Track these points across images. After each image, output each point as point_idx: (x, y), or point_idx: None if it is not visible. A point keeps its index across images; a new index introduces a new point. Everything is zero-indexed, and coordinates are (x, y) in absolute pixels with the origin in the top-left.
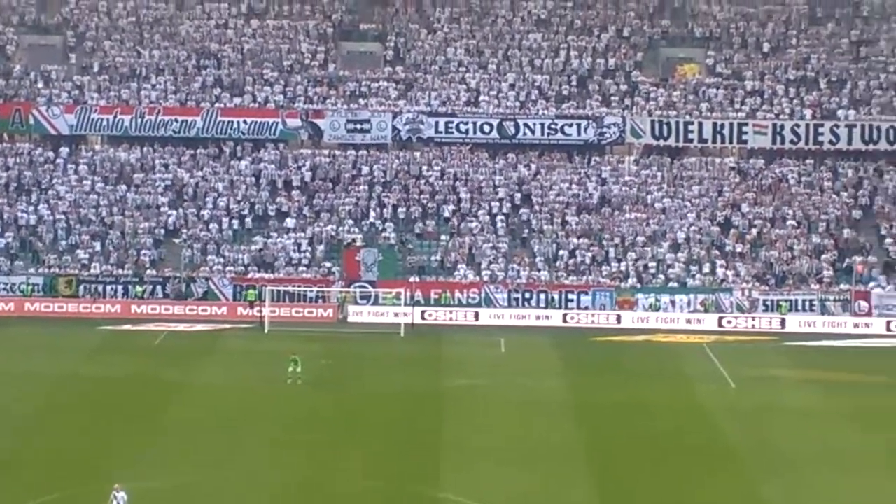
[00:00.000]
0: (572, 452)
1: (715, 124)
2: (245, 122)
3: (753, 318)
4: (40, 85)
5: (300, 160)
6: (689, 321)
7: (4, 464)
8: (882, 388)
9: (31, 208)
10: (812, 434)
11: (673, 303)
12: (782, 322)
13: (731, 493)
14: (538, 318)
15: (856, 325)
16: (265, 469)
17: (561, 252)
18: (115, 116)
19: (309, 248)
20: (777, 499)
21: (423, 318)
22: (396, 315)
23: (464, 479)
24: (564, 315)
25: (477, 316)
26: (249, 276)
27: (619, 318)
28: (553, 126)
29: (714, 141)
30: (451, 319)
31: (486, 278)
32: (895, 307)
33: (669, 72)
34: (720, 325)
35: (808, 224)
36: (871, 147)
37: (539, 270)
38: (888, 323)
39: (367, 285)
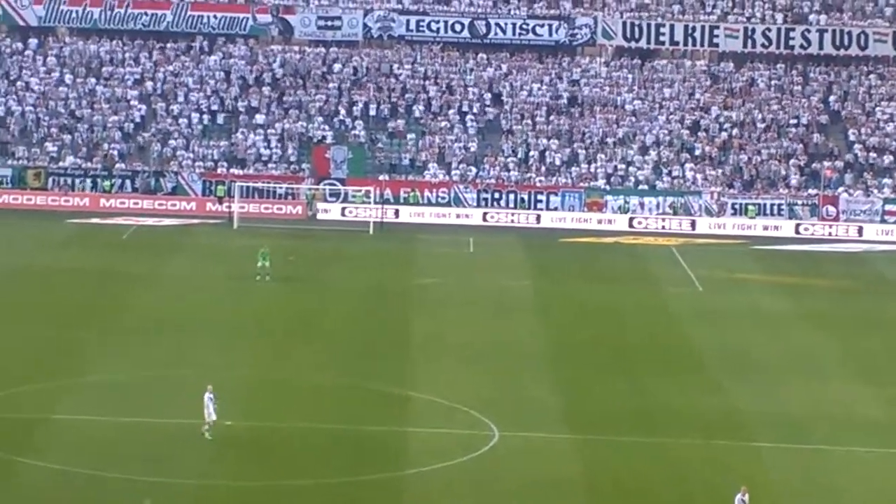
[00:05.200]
0: (537, 353)
1: (686, 27)
2: (215, 16)
3: (663, 220)
4: None
5: (270, 56)
6: (656, 223)
7: None
8: (848, 293)
9: (0, 100)
10: (778, 338)
11: (642, 205)
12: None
13: (696, 395)
14: (507, 218)
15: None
16: (231, 364)
17: (531, 153)
18: (84, 8)
19: (279, 145)
20: (743, 402)
21: (394, 216)
22: (366, 213)
23: (429, 378)
24: (534, 216)
25: (446, 215)
26: (219, 171)
27: (588, 220)
28: (524, 26)
29: (685, 44)
30: (420, 216)
31: (455, 178)
32: (862, 212)
33: None
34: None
35: (778, 128)
36: (841, 52)
37: (509, 171)
38: (860, 229)
39: (336, 183)
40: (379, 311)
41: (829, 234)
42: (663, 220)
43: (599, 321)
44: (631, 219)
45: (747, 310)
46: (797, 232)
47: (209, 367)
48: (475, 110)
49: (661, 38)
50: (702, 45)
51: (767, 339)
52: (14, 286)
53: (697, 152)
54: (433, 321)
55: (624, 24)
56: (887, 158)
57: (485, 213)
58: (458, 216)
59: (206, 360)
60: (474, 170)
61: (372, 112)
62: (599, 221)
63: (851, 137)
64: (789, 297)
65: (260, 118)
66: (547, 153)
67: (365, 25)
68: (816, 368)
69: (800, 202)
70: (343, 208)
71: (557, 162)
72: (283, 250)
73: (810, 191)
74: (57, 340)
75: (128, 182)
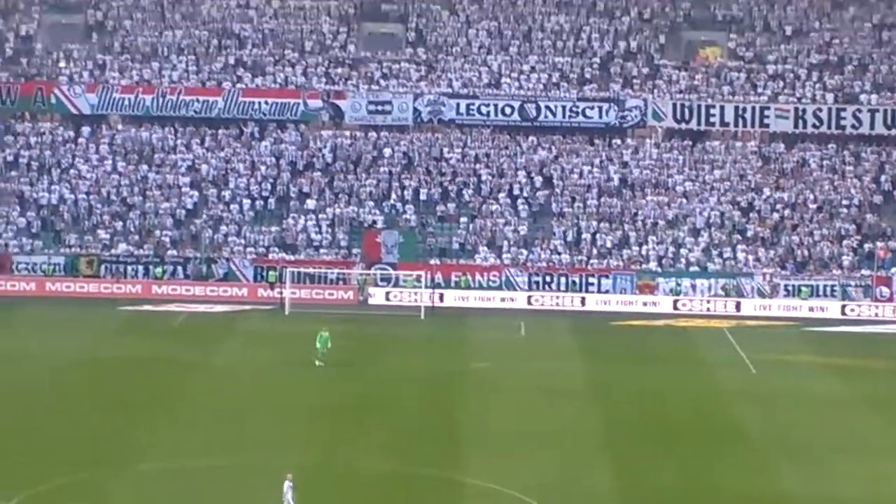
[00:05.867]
0: (591, 437)
1: (737, 108)
2: (266, 102)
3: (709, 301)
4: (62, 64)
5: (321, 141)
6: (709, 306)
7: (20, 444)
8: None
9: (53, 188)
10: (832, 421)
11: (694, 287)
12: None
13: (750, 478)
14: (553, 301)
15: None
16: (284, 451)
17: (582, 235)
18: (136, 96)
19: (329, 230)
20: (796, 485)
21: (442, 300)
22: (410, 297)
23: (482, 463)
24: (584, 299)
25: (497, 299)
26: (270, 257)
27: (633, 303)
28: (574, 109)
29: (736, 125)
30: (465, 300)
31: (506, 261)
32: None
33: (691, 55)
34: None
35: (830, 209)
36: (893, 132)
37: (560, 254)
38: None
39: (387, 267)
40: (432, 396)
41: (876, 314)
42: (709, 301)
43: (652, 404)
44: (675, 301)
45: (802, 392)
46: (843, 313)
47: (265, 453)
48: (526, 193)
49: (712, 120)
50: (752, 125)
51: (821, 422)
52: (67, 374)
53: (749, 233)
54: (485, 405)
55: (674, 105)
56: None
57: (530, 297)
58: (502, 300)
59: (261, 446)
60: (525, 253)
61: (422, 196)
62: (645, 304)
63: None
64: (843, 379)
65: (311, 203)
66: (598, 236)
67: (415, 110)
68: (870, 452)
69: (853, 283)
70: (388, 293)
71: (609, 244)
72: (335, 336)
73: (864, 271)
74: (111, 428)
75: (179, 269)
